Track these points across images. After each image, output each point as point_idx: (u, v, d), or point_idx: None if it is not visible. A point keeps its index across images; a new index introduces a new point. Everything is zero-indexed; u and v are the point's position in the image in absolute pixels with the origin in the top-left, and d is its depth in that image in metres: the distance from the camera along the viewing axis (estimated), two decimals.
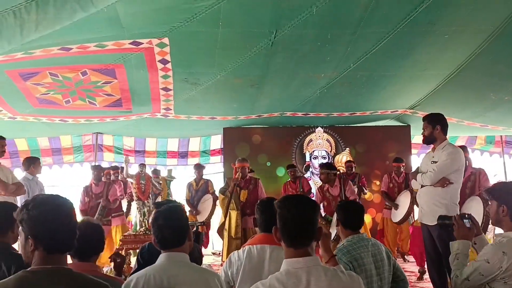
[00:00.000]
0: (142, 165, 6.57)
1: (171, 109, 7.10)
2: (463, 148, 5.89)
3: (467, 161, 5.75)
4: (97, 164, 8.24)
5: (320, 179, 6.62)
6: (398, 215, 6.75)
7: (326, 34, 4.92)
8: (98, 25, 4.07)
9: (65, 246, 1.70)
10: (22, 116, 6.76)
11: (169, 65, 5.39)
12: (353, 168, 7.72)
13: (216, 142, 9.48)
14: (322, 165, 6.86)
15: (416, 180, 4.37)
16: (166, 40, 4.72)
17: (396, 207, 6.82)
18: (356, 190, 6.96)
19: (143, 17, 4.24)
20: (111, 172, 7.38)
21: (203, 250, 8.25)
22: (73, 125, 7.98)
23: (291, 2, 4.27)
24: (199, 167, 8.00)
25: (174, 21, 4.36)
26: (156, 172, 7.57)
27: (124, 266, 4.92)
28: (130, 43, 4.70)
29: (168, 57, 5.17)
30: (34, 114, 6.83)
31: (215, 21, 4.38)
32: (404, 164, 7.25)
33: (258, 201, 3.03)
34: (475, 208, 4.86)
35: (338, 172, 6.76)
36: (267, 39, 4.92)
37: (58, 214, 1.68)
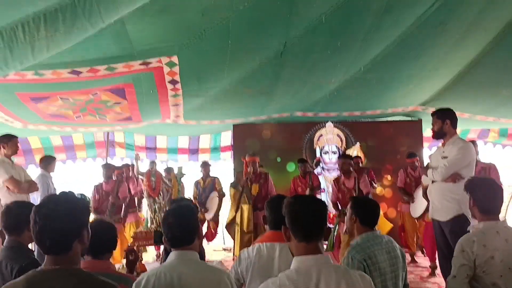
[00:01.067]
0: (153, 163, 6.62)
1: (180, 116, 7.13)
2: (472, 142, 5.82)
3: (477, 156, 5.70)
4: (107, 162, 8.29)
5: (341, 170, 6.43)
6: (417, 210, 6.56)
7: (336, 42, 4.89)
8: (108, 43, 4.06)
9: (56, 248, 1.65)
10: (34, 125, 6.83)
11: (178, 86, 5.39)
12: (360, 164, 7.54)
13: (226, 138, 9.49)
14: (340, 156, 6.85)
15: (426, 176, 4.34)
16: (175, 59, 4.69)
17: (413, 200, 6.69)
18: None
19: (152, 36, 4.22)
20: (124, 170, 7.44)
21: (215, 246, 8.31)
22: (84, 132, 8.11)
23: (300, 11, 4.24)
24: (205, 165, 8.00)
25: (183, 38, 4.34)
26: (169, 170, 7.62)
27: (137, 263, 4.97)
28: (140, 64, 4.68)
29: (177, 78, 5.15)
30: (46, 124, 6.90)
31: (224, 36, 4.36)
32: (418, 159, 7.14)
33: (269, 198, 3.03)
34: None
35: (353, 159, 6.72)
36: (277, 50, 4.91)
37: (48, 217, 1.63)
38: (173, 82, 5.25)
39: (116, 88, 5.41)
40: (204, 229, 7.57)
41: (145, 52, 4.46)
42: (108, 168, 7.11)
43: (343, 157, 6.61)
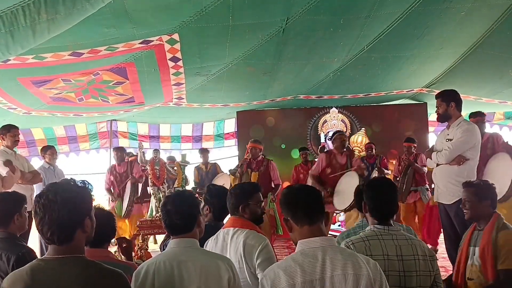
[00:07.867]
0: (156, 151, 6.59)
1: (183, 98, 7.09)
2: (480, 113, 5.52)
3: (484, 125, 5.47)
4: (118, 146, 8.26)
5: (335, 146, 6.00)
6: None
7: (338, 19, 4.82)
8: (108, 23, 4.01)
9: (57, 238, 1.62)
10: (37, 112, 6.82)
11: (180, 63, 5.34)
12: (373, 150, 7.35)
13: (230, 125, 9.48)
14: (334, 133, 6.41)
15: (431, 159, 4.29)
16: (176, 36, 4.64)
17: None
18: (376, 173, 6.85)
19: (153, 14, 4.17)
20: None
21: None
22: (87, 118, 8.08)
23: None
24: (203, 151, 7.97)
25: (183, 16, 4.29)
26: (171, 158, 7.60)
27: (141, 251, 4.96)
28: (140, 43, 4.63)
29: (179, 55, 5.09)
30: (48, 110, 6.89)
31: (225, 13, 4.31)
32: (415, 145, 6.80)
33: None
34: (504, 164, 4.51)
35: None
36: (279, 27, 4.85)
37: (47, 207, 1.60)
38: (174, 59, 5.20)
39: (117, 67, 5.37)
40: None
41: (145, 30, 4.42)
42: (121, 151, 7.11)
43: (337, 132, 6.27)
